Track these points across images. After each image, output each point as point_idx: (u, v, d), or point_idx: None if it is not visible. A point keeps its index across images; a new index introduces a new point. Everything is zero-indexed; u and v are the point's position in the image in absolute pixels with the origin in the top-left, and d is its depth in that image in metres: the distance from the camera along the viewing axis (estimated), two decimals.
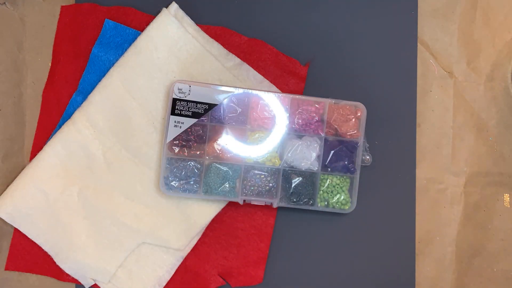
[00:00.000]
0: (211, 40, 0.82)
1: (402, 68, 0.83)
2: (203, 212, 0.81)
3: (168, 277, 0.81)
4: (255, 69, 0.83)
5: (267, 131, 0.80)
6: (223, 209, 0.82)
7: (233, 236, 0.82)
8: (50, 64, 0.82)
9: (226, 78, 0.82)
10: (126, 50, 0.81)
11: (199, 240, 0.82)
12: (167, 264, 0.81)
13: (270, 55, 0.83)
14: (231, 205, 0.82)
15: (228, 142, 0.79)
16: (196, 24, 0.82)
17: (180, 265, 0.82)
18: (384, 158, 0.83)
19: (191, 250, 0.82)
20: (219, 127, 0.79)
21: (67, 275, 0.81)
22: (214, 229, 0.82)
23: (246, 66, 0.82)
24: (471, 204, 0.83)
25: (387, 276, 0.82)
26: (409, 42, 0.83)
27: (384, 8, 0.83)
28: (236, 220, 0.82)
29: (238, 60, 0.82)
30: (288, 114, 0.80)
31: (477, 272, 0.83)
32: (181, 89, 0.79)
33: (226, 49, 0.83)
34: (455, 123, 0.83)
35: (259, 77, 0.83)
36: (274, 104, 0.79)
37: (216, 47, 0.82)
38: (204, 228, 0.82)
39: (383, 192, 0.83)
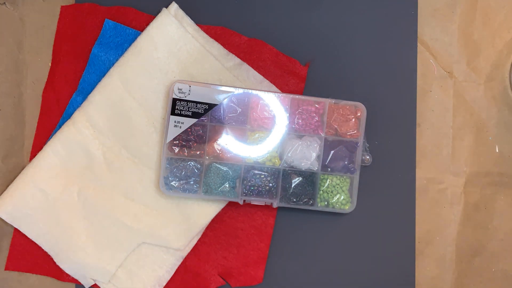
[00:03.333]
0: (211, 40, 0.82)
1: (402, 68, 0.83)
2: (203, 212, 0.81)
3: (168, 277, 0.81)
4: (255, 69, 0.83)
5: (267, 131, 0.80)
6: (223, 209, 0.82)
7: (233, 236, 0.82)
8: (50, 64, 0.82)
9: (226, 78, 0.82)
10: (126, 50, 0.81)
11: (199, 240, 0.82)
12: (167, 264, 0.81)
13: (270, 55, 0.83)
14: (231, 205, 0.82)
15: (228, 142, 0.79)
16: (196, 24, 0.82)
17: (180, 265, 0.82)
18: (384, 158, 0.83)
19: (191, 250, 0.82)
20: (219, 127, 0.79)
21: (67, 275, 0.81)
22: (214, 229, 0.82)
23: (246, 66, 0.82)
24: (471, 204, 0.83)
25: (387, 276, 0.82)
26: (409, 42, 0.83)
27: (384, 8, 0.84)
28: (236, 220, 0.82)
29: (238, 60, 0.82)
30: (288, 114, 0.80)
31: (477, 272, 0.83)
32: (181, 89, 0.79)
33: (226, 49, 0.83)
34: (455, 123, 0.83)
35: (259, 77, 0.83)
36: (274, 104, 0.79)
37: (216, 47, 0.82)
38: (204, 228, 0.82)
39: (383, 192, 0.83)
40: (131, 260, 0.81)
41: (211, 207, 0.81)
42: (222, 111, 0.79)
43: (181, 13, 0.82)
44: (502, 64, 0.83)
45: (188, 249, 0.82)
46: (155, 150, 0.81)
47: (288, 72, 0.83)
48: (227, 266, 0.82)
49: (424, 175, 0.83)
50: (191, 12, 0.82)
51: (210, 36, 0.83)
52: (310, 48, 0.83)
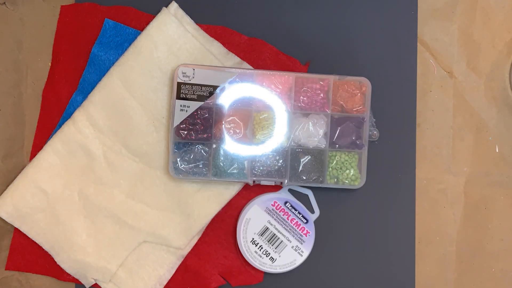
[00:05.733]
0: (211, 39, 0.82)
1: (402, 68, 0.83)
2: (203, 211, 0.81)
3: (168, 276, 0.82)
4: (255, 68, 0.82)
5: (273, 111, 0.79)
6: (223, 208, 0.82)
7: (233, 235, 0.82)
8: (50, 64, 0.82)
9: None
10: (126, 49, 0.81)
11: (200, 239, 0.82)
12: (168, 263, 0.81)
13: (270, 54, 0.83)
14: (231, 204, 0.82)
15: (234, 124, 0.79)
16: (196, 23, 0.82)
17: (180, 264, 0.82)
18: (384, 158, 0.83)
19: (192, 250, 0.82)
20: (225, 109, 0.79)
21: (68, 274, 0.81)
22: (215, 228, 0.82)
23: (246, 65, 0.82)
24: (471, 204, 0.83)
25: (387, 276, 0.82)
26: (409, 42, 0.83)
27: (384, 8, 0.83)
28: (237, 219, 0.82)
29: (238, 59, 0.82)
30: (293, 93, 0.80)
31: (477, 272, 0.83)
32: (185, 73, 0.79)
33: (226, 48, 0.83)
34: (455, 123, 0.83)
35: None
36: (279, 83, 0.79)
37: (216, 46, 0.82)
38: (205, 227, 0.82)
39: (383, 192, 0.83)
40: (131, 259, 0.81)
41: (211, 206, 0.81)
42: (227, 93, 0.79)
43: (181, 12, 0.82)
44: (502, 64, 0.83)
45: (188, 248, 0.82)
46: (156, 149, 0.81)
47: (288, 71, 0.82)
48: (227, 265, 0.82)
49: (424, 175, 0.83)
50: (191, 11, 0.82)
51: (210, 35, 0.83)
52: (310, 48, 0.83)
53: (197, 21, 0.82)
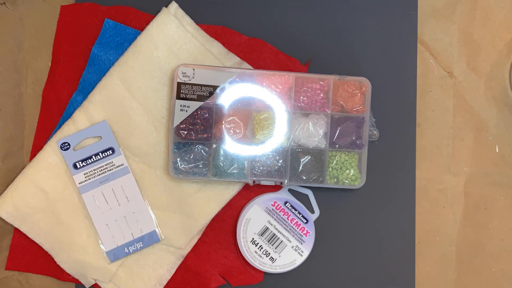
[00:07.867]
0: (211, 39, 0.82)
1: (402, 68, 0.83)
2: (203, 211, 0.81)
3: (168, 276, 0.82)
4: (255, 68, 0.82)
5: (273, 111, 0.79)
6: (223, 208, 0.82)
7: (233, 235, 0.82)
8: (50, 64, 0.82)
9: None
10: (126, 49, 0.81)
11: (200, 239, 0.82)
12: (168, 263, 0.81)
13: (270, 54, 0.83)
14: (231, 204, 0.82)
15: (234, 124, 0.79)
16: (196, 23, 0.82)
17: (180, 264, 0.82)
18: (384, 158, 0.83)
19: (192, 250, 0.82)
20: (225, 109, 0.79)
21: (68, 274, 0.81)
22: (215, 228, 0.82)
23: (246, 65, 0.82)
24: (471, 204, 0.83)
25: (387, 276, 0.82)
26: (409, 42, 0.83)
27: (384, 8, 0.84)
28: (237, 220, 0.82)
29: (238, 59, 0.82)
30: (293, 93, 0.80)
31: (477, 272, 0.83)
32: (185, 73, 0.79)
33: (226, 48, 0.83)
34: (455, 123, 0.83)
35: None
36: (279, 83, 0.79)
37: (216, 46, 0.82)
38: (205, 227, 0.82)
39: (383, 192, 0.83)
40: (131, 259, 0.81)
41: (211, 206, 0.81)
42: (227, 93, 0.79)
43: (181, 12, 0.82)
44: (502, 64, 0.83)
45: (188, 248, 0.82)
46: (155, 149, 0.81)
47: (288, 71, 0.82)
48: (227, 266, 0.82)
49: (424, 175, 0.83)
50: (191, 11, 0.82)
51: (210, 35, 0.83)
52: (310, 48, 0.83)
53: (197, 21, 0.82)
